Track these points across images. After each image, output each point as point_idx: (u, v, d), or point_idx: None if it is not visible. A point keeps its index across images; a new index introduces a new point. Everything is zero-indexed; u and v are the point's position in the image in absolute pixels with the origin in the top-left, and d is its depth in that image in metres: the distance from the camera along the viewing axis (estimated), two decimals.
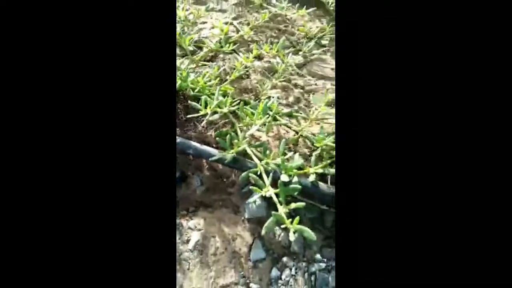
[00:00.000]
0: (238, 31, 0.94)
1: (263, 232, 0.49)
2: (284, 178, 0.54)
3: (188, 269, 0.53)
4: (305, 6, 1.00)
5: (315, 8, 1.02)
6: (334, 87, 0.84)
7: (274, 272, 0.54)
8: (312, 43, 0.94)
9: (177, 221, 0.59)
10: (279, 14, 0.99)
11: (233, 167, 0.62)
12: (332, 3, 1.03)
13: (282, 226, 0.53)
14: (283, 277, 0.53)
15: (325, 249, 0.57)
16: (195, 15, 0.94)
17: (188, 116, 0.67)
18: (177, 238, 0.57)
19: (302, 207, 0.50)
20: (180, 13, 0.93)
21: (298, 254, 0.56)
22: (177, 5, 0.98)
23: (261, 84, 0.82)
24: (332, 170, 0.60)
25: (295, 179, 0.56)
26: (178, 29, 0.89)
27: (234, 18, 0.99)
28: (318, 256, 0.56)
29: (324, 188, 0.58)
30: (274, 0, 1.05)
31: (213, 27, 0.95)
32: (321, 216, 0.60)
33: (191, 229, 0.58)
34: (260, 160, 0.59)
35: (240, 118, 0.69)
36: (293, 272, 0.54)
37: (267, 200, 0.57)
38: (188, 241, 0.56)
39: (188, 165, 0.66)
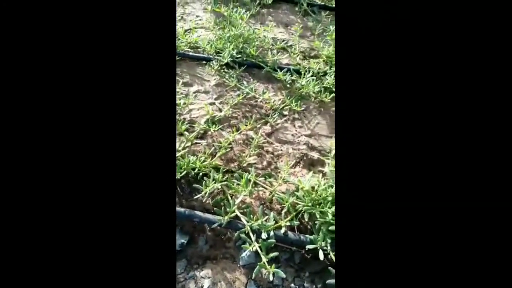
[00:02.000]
0: (220, 110, 1.23)
1: (253, 275, 0.75)
2: (263, 235, 0.80)
3: None
4: (269, 86, 1.32)
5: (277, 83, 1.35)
6: (295, 151, 1.14)
7: None
8: (276, 115, 1.25)
9: (191, 273, 0.82)
10: (250, 93, 1.30)
11: (229, 228, 0.87)
12: (287, 80, 1.37)
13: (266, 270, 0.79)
14: None
15: (297, 280, 0.83)
16: (186, 102, 1.22)
17: (193, 188, 0.93)
18: (194, 285, 0.80)
19: (277, 255, 0.77)
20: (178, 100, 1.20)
21: (279, 285, 0.81)
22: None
23: (241, 154, 1.10)
24: (296, 222, 0.88)
25: (272, 233, 0.83)
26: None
27: (216, 98, 1.28)
28: (292, 285, 0.82)
29: (292, 236, 0.86)
30: (245, 81, 1.37)
31: (200, 108, 1.23)
32: (292, 255, 0.86)
33: (203, 278, 0.81)
34: (247, 221, 0.85)
35: (229, 187, 0.95)
36: None
37: (255, 251, 0.83)
38: (202, 287, 0.80)
39: (194, 229, 0.90)
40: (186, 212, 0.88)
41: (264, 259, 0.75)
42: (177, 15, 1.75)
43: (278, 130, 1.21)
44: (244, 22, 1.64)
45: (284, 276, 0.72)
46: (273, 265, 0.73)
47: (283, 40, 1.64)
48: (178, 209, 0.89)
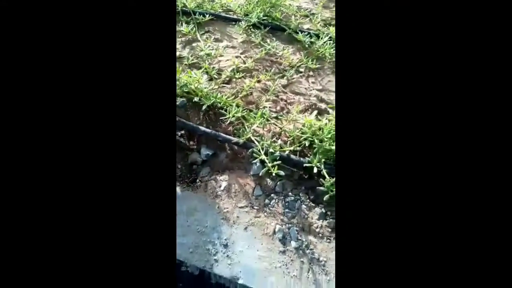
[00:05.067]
0: (244, 62, 1.43)
1: (260, 174, 0.97)
2: (271, 150, 1.01)
3: (221, 199, 1.01)
4: (290, 46, 1.49)
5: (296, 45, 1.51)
6: (306, 100, 1.32)
7: (267, 201, 1.01)
8: (293, 70, 1.42)
9: (213, 177, 1.06)
10: (271, 50, 1.48)
11: (244, 147, 1.09)
12: (306, 41, 1.51)
13: (270, 177, 1.00)
14: (271, 203, 1.01)
15: (294, 190, 1.04)
16: (216, 54, 1.43)
17: (221, 118, 1.16)
18: (214, 184, 1.04)
19: (278, 166, 0.98)
20: (207, 51, 1.42)
21: (279, 192, 1.03)
22: (203, 43, 1.46)
23: (260, 98, 1.30)
24: (299, 148, 1.08)
25: (277, 153, 1.04)
26: (206, 63, 1.37)
27: (242, 53, 1.48)
28: (290, 193, 1.03)
29: (293, 158, 1.06)
30: (268, 40, 1.54)
31: (227, 60, 1.44)
32: (292, 174, 1.07)
33: (221, 181, 1.05)
34: (259, 142, 1.07)
35: (247, 120, 1.16)
36: (276, 201, 1.01)
37: (262, 164, 1.04)
38: (220, 186, 1.04)
39: (217, 146, 1.13)
40: (212, 132, 1.12)
41: (269, 165, 0.97)
42: None
43: (293, 83, 1.39)
44: None
45: (283, 174, 0.94)
46: (276, 168, 0.95)
47: (307, 9, 1.76)
48: (205, 129, 1.13)
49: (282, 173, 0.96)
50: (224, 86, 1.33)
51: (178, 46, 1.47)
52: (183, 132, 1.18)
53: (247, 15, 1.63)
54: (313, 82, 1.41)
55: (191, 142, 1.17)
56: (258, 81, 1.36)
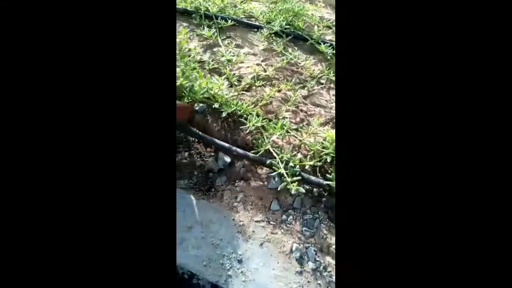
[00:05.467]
0: (265, 70, 1.40)
1: (279, 188, 0.93)
2: (291, 164, 0.98)
3: (237, 212, 0.98)
4: (311, 57, 1.46)
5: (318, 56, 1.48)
6: (327, 113, 1.29)
7: (284, 217, 0.98)
8: (314, 81, 1.39)
9: (229, 186, 1.03)
10: (293, 60, 1.45)
11: (262, 158, 1.06)
12: (328, 53, 1.49)
13: (288, 192, 0.97)
14: (288, 219, 0.97)
15: (313, 208, 1.01)
16: (237, 60, 1.41)
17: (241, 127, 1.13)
18: (230, 194, 1.01)
19: (298, 183, 0.94)
20: (228, 56, 1.40)
21: (297, 208, 0.99)
22: (224, 48, 1.44)
23: (279, 108, 1.27)
24: (319, 163, 1.04)
25: (297, 168, 1.00)
26: (227, 69, 1.35)
27: (263, 61, 1.46)
28: (308, 211, 0.99)
29: (313, 174, 1.02)
30: (290, 49, 1.52)
31: (248, 67, 1.42)
32: (312, 190, 1.03)
33: (238, 191, 1.02)
34: (278, 154, 1.03)
35: (266, 130, 1.13)
36: (294, 218, 0.98)
37: (281, 178, 1.01)
38: (236, 197, 1.01)
39: (235, 156, 1.10)
40: (230, 147, 1.09)
41: (289, 180, 0.93)
42: None
43: (314, 95, 1.36)
44: (295, 0, 1.76)
45: (303, 191, 0.90)
46: (295, 185, 0.91)
47: (329, 20, 1.74)
48: (223, 143, 1.10)
49: (302, 190, 0.92)
50: (244, 94, 1.30)
51: (199, 50, 1.46)
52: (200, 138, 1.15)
53: (269, 22, 1.61)
54: (333, 94, 1.38)
55: (208, 149, 1.15)
56: (279, 91, 1.33)
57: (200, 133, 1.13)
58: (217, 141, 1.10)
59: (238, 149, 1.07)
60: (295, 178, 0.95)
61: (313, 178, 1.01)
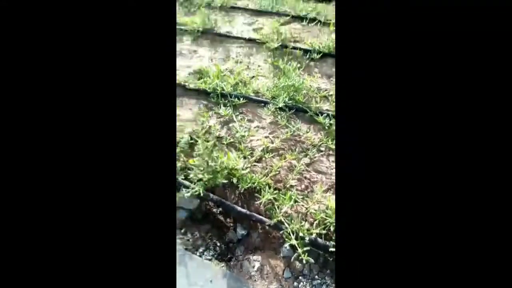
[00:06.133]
0: (272, 142, 1.66)
1: (292, 259, 1.09)
2: (301, 235, 1.15)
3: (255, 280, 1.13)
4: (311, 126, 1.73)
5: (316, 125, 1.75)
6: (328, 180, 1.49)
7: (295, 284, 1.12)
8: (315, 150, 1.62)
9: (247, 256, 1.20)
10: (296, 132, 1.71)
11: (275, 229, 1.24)
12: (326, 123, 1.74)
13: (299, 260, 1.12)
14: (299, 286, 1.11)
15: (320, 274, 1.15)
16: (248, 134, 1.68)
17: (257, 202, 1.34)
18: (248, 264, 1.17)
19: (308, 251, 1.10)
20: (242, 132, 1.67)
21: (306, 275, 1.14)
22: (238, 124, 1.72)
23: (286, 177, 1.48)
24: (324, 232, 1.21)
25: (306, 237, 1.17)
26: (241, 145, 1.61)
27: (270, 133, 1.72)
28: (316, 277, 1.13)
29: (320, 241, 1.18)
30: (293, 121, 1.79)
31: (258, 140, 1.68)
32: (319, 256, 1.19)
33: (254, 261, 1.18)
34: (289, 225, 1.21)
35: (277, 200, 1.33)
36: (304, 284, 1.11)
37: (292, 248, 1.17)
38: (253, 266, 1.16)
39: (250, 226, 1.29)
40: (247, 212, 1.28)
41: (300, 251, 1.10)
42: (243, 64, 2.30)
43: (315, 162, 1.58)
44: (295, 74, 2.10)
45: (312, 261, 1.06)
46: (306, 255, 1.07)
47: (325, 90, 2.04)
48: (241, 209, 1.30)
49: (312, 260, 1.08)
50: (256, 165, 1.54)
51: (217, 126, 1.75)
52: (220, 209, 1.36)
53: (274, 98, 1.92)
54: (333, 161, 1.59)
55: (228, 220, 1.34)
56: (285, 160, 1.56)
57: (221, 201, 1.34)
58: (237, 207, 1.30)
59: (255, 214, 1.26)
60: (305, 249, 1.11)
61: (320, 240, 1.17)
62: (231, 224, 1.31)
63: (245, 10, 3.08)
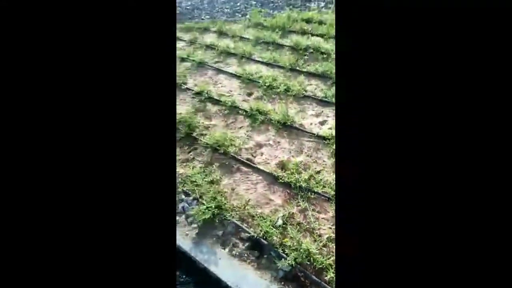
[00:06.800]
0: (333, 232, 2.58)
1: None
2: None
3: None
4: None
5: None
6: None
7: None
8: None
9: None
10: None
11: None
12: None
13: None
14: None
15: None
16: (318, 223, 2.64)
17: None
18: None
19: None
20: (313, 224, 2.64)
21: None
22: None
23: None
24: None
25: None
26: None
27: (332, 224, 2.64)
28: None
29: None
30: None
31: (324, 229, 2.61)
32: None
33: None
34: None
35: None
36: None
37: None
38: None
39: None
40: (322, 283, 2.23)
41: None
42: (312, 158, 3.24)
43: None
44: None
45: None
46: None
47: None
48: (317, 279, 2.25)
49: None
50: (322, 249, 2.47)
51: (298, 214, 2.73)
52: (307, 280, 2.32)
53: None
54: None
55: (307, 281, 2.29)
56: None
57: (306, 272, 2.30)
58: (316, 279, 2.24)
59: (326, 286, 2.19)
60: None
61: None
62: None
63: (313, 99, 4.00)
